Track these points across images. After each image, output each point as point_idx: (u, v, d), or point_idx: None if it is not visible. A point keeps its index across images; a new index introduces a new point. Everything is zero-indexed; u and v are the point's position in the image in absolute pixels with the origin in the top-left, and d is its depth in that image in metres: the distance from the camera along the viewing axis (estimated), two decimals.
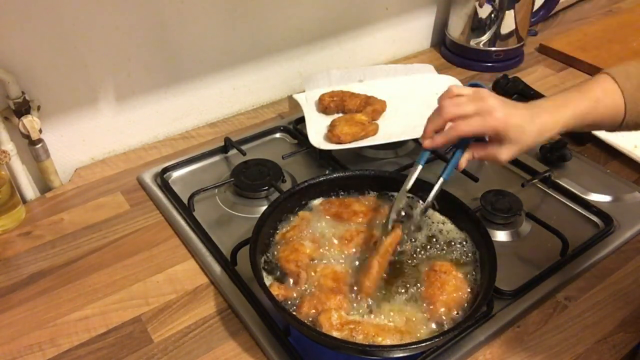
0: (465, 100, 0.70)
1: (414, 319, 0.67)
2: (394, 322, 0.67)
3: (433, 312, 0.68)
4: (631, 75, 0.72)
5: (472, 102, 0.69)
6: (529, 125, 0.68)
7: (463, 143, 0.72)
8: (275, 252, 0.76)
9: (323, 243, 0.77)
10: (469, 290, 0.71)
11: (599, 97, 0.72)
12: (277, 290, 0.69)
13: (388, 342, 0.64)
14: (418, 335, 0.66)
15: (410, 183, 0.74)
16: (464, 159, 0.72)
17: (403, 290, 0.71)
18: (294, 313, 0.67)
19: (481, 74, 1.34)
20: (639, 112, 0.72)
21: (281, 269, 0.73)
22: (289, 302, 0.69)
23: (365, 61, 1.36)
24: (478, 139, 0.72)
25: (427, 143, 0.72)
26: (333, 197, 0.85)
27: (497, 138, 0.69)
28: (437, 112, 0.71)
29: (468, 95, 0.70)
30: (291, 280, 0.72)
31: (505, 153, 0.70)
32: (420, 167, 0.74)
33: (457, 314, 0.68)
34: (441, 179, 0.73)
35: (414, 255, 0.75)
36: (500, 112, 0.67)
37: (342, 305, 0.68)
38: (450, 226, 0.80)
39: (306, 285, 0.71)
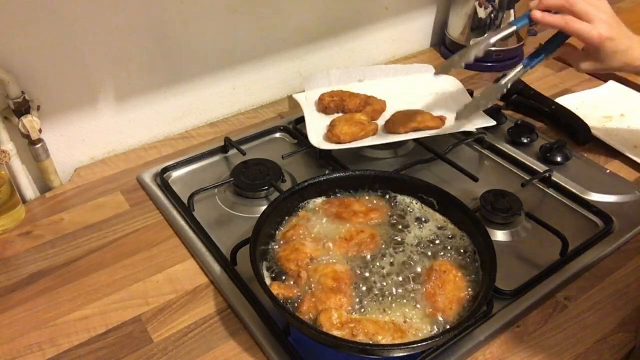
0: (594, 1, 0.77)
1: (414, 319, 0.67)
2: (395, 321, 0.67)
3: (433, 311, 0.68)
4: None
5: (597, 8, 0.76)
6: (622, 55, 0.77)
7: (558, 39, 0.82)
8: (276, 252, 0.76)
9: (323, 243, 0.77)
10: (469, 289, 0.71)
11: None
12: (277, 290, 0.69)
13: (389, 340, 0.64)
14: (418, 334, 0.66)
15: (500, 36, 0.81)
16: (555, 54, 0.83)
17: (404, 290, 0.71)
18: (294, 312, 0.67)
19: (481, 74, 1.34)
20: None
21: (282, 268, 0.73)
22: (290, 302, 0.69)
23: (365, 61, 1.36)
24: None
25: (538, 15, 0.77)
26: (333, 197, 0.85)
27: (591, 50, 0.78)
28: None
29: None
30: (291, 280, 0.72)
31: (587, 65, 0.80)
32: (514, 29, 0.80)
33: (458, 313, 0.68)
34: (526, 68, 0.83)
35: (414, 256, 0.75)
36: (606, 31, 0.75)
37: (342, 304, 0.68)
38: (450, 226, 0.80)
39: (307, 285, 0.71)
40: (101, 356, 0.71)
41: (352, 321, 0.66)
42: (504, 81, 0.84)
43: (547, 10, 0.78)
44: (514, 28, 0.81)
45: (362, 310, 0.69)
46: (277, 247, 0.76)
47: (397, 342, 0.64)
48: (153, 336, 0.73)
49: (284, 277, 0.72)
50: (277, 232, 0.79)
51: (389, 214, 0.82)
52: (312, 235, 0.77)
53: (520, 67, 0.83)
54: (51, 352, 0.71)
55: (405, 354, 0.65)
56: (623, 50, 0.78)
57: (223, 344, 0.73)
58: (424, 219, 0.81)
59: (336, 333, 0.64)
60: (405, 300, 0.70)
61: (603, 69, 0.80)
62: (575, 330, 0.75)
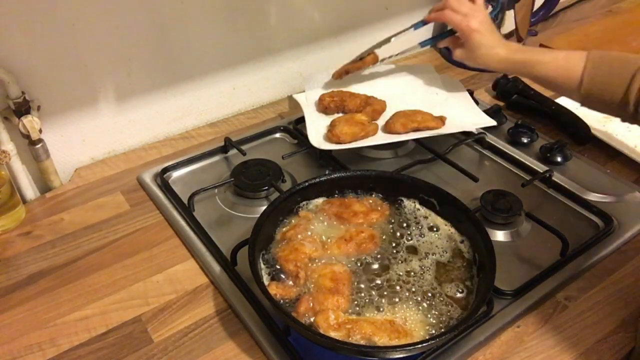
0: (466, 2, 0.95)
1: (411, 319, 0.67)
2: (392, 320, 0.67)
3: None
4: (606, 55, 0.81)
5: (468, 7, 0.94)
6: (486, 49, 0.93)
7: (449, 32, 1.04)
8: (275, 252, 0.76)
9: (323, 243, 0.77)
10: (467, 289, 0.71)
11: (558, 57, 0.86)
12: (275, 290, 0.69)
13: (385, 341, 0.64)
14: (414, 334, 0.66)
15: (396, 35, 1.04)
16: (443, 43, 1.04)
17: (402, 290, 0.71)
18: (292, 313, 0.67)
19: (481, 74, 1.34)
20: (601, 82, 0.79)
21: (280, 268, 0.73)
22: (288, 302, 0.69)
23: None
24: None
25: (427, 16, 1.01)
26: (333, 197, 0.85)
27: (463, 39, 0.96)
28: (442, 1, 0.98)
29: (472, 1, 0.96)
30: (290, 280, 0.72)
31: (459, 53, 0.98)
32: (411, 30, 1.03)
33: None
34: (422, 46, 1.08)
35: (412, 256, 0.76)
36: (475, 25, 0.93)
37: (340, 305, 0.68)
38: (449, 226, 0.80)
39: (305, 285, 0.71)
40: (101, 356, 0.71)
41: (348, 322, 0.66)
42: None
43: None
44: (411, 29, 1.04)
45: (360, 310, 0.69)
46: (276, 246, 0.76)
47: (394, 342, 0.64)
48: (153, 336, 0.73)
49: (282, 277, 0.72)
50: (277, 232, 0.79)
51: (389, 214, 0.82)
52: (312, 235, 0.77)
53: (411, 29, 1.04)
54: (51, 352, 0.71)
55: (404, 355, 0.65)
56: (487, 45, 0.92)
57: (223, 344, 0.73)
58: (423, 219, 0.81)
59: (333, 334, 0.64)
60: (402, 301, 0.70)
61: (471, 58, 0.96)
62: (575, 330, 0.75)
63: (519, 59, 0.91)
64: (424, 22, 1.02)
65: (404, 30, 1.04)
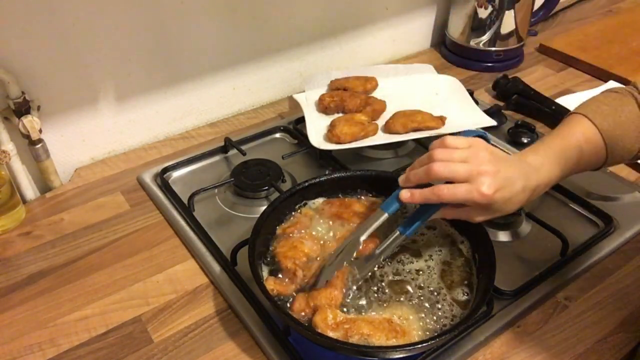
0: (457, 157, 0.64)
1: (409, 318, 0.67)
2: (390, 319, 0.67)
3: None
4: (605, 114, 0.70)
5: (465, 163, 0.64)
6: (517, 195, 0.65)
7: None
8: (274, 247, 0.76)
9: (322, 243, 0.77)
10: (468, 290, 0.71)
11: (583, 147, 0.69)
12: (272, 285, 0.69)
13: (382, 341, 0.64)
14: (412, 333, 0.66)
15: (368, 232, 0.70)
16: (435, 217, 0.70)
17: (400, 289, 0.71)
18: (289, 310, 0.68)
19: (481, 74, 1.34)
20: (619, 151, 0.71)
21: (278, 264, 0.73)
22: (284, 299, 0.69)
23: (365, 61, 1.36)
24: None
25: (405, 196, 0.67)
26: (333, 197, 0.85)
27: (479, 207, 0.65)
28: (426, 166, 0.65)
29: (462, 151, 0.65)
30: (287, 277, 0.72)
31: (480, 217, 0.67)
32: (385, 217, 0.70)
33: None
34: (402, 236, 0.70)
35: (412, 256, 0.75)
36: (489, 185, 0.62)
37: (333, 297, 0.68)
38: (449, 226, 0.80)
39: (301, 283, 0.71)
40: (101, 356, 0.71)
41: (346, 321, 0.66)
42: (378, 251, 0.71)
43: (418, 185, 0.67)
44: (385, 215, 0.70)
45: (358, 309, 0.69)
46: (276, 241, 0.76)
47: (392, 341, 0.64)
48: (153, 336, 0.73)
49: (280, 274, 0.72)
50: (277, 227, 0.79)
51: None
52: (312, 235, 0.77)
53: (395, 235, 0.70)
54: (51, 352, 0.71)
55: (404, 355, 0.65)
56: (516, 193, 0.65)
57: (223, 344, 0.73)
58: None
59: (331, 334, 0.64)
60: (401, 299, 0.70)
61: (497, 215, 0.67)
62: (575, 330, 0.75)
63: (560, 174, 0.69)
64: (400, 203, 0.69)
65: (369, 226, 0.71)
